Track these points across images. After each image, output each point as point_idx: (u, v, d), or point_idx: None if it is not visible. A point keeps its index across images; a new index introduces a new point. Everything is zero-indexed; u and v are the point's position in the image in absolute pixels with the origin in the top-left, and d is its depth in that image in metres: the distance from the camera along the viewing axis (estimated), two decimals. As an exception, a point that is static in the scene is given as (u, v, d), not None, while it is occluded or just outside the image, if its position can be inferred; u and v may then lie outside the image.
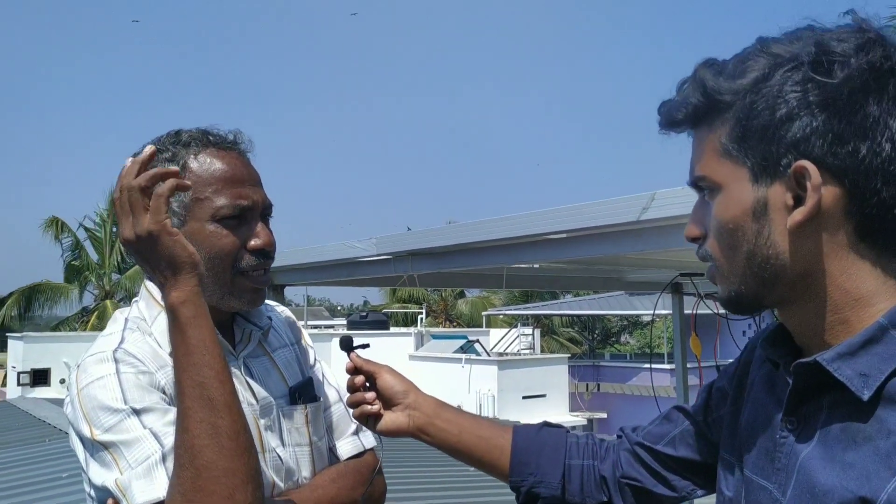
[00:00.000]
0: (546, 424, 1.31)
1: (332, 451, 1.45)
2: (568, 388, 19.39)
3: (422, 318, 24.53)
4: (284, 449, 1.34)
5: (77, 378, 1.19)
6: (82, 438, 1.16)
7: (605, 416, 21.45)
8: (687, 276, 3.81)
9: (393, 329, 22.05)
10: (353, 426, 1.47)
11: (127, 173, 1.13)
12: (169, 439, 1.10)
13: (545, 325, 32.54)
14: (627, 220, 1.62)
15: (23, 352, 15.69)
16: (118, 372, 1.17)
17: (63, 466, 5.31)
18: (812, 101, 0.79)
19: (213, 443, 1.05)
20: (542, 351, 25.15)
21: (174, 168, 1.20)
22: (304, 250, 2.93)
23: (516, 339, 23.02)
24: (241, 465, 1.06)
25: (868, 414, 0.78)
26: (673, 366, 20.80)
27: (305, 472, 1.37)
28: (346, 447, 1.45)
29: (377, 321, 19.83)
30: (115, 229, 25.91)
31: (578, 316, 30.57)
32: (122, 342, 1.23)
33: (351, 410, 1.34)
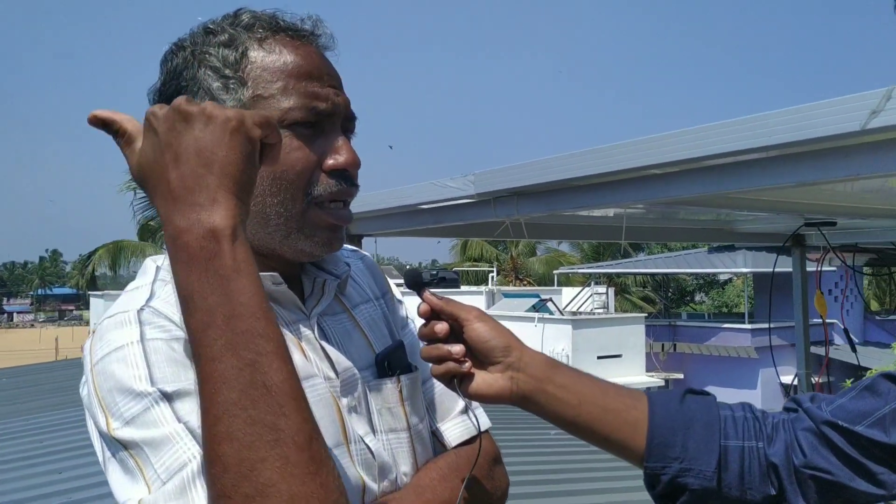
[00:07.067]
0: (689, 391, 1.03)
1: (434, 435, 1.12)
2: (644, 349, 18.98)
3: (493, 277, 24.26)
4: (375, 437, 1.02)
5: (91, 348, 0.86)
6: (100, 432, 0.83)
7: (681, 376, 20.93)
8: (813, 226, 3.32)
9: (464, 288, 21.88)
10: (461, 403, 1.14)
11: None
12: None
13: (617, 285, 31.89)
14: (847, 130, 1.20)
15: (104, 309, 16.08)
16: (143, 338, 0.85)
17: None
18: None
19: (273, 454, 0.69)
20: (616, 311, 24.62)
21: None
22: (384, 193, 2.54)
23: (590, 298, 22.57)
24: (315, 488, 0.70)
25: None
26: (753, 326, 20.24)
27: (405, 466, 1.04)
28: (454, 431, 1.12)
29: (449, 279, 19.68)
30: None
31: (653, 275, 29.80)
32: (150, 297, 0.92)
33: (429, 366, 1.04)
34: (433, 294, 1.03)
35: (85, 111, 0.79)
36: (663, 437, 0.97)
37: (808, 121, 1.28)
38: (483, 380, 1.00)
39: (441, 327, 1.00)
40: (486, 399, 1.01)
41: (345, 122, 1.00)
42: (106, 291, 17.97)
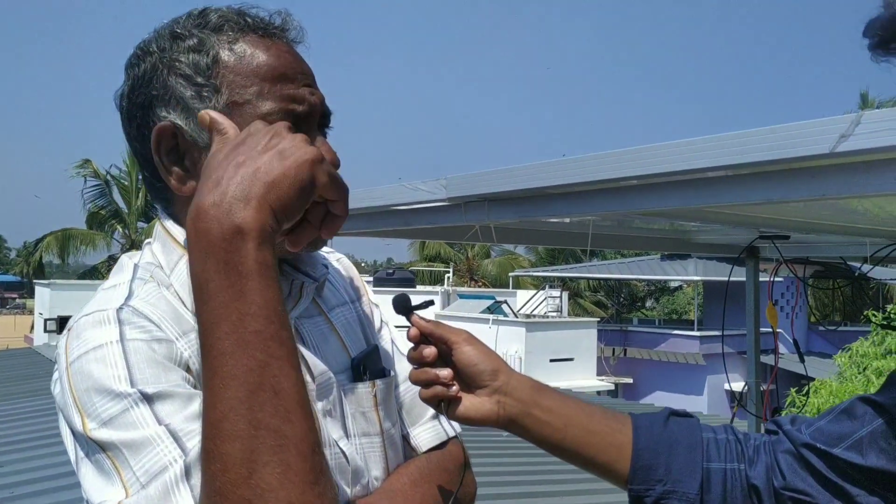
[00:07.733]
0: (672, 413, 1.05)
1: (405, 440, 1.12)
2: (595, 353, 19.22)
3: (449, 277, 24.33)
4: (349, 441, 1.00)
5: (67, 346, 0.84)
6: (74, 432, 0.82)
7: (631, 381, 21.27)
8: (768, 239, 3.41)
9: (420, 287, 21.89)
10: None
11: None
12: (196, 440, 0.76)
13: (571, 289, 32.23)
14: (817, 152, 1.24)
15: (49, 299, 15.74)
16: (123, 338, 0.83)
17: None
18: None
19: (276, 460, 0.69)
20: (569, 314, 24.90)
21: None
22: (354, 194, 2.51)
23: (544, 302, 22.77)
24: (313, 498, 0.70)
25: None
26: (702, 333, 20.50)
27: (376, 471, 1.03)
28: (425, 436, 1.13)
29: (404, 279, 19.60)
30: (140, 176, 26.02)
31: (605, 280, 30.21)
32: (129, 297, 0.90)
33: (416, 389, 1.06)
34: (421, 318, 1.03)
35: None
36: (647, 460, 0.99)
37: (781, 141, 1.32)
38: (470, 403, 1.01)
39: (429, 352, 1.01)
40: (473, 422, 1.02)
41: (321, 119, 1.00)
42: (53, 280, 17.47)
